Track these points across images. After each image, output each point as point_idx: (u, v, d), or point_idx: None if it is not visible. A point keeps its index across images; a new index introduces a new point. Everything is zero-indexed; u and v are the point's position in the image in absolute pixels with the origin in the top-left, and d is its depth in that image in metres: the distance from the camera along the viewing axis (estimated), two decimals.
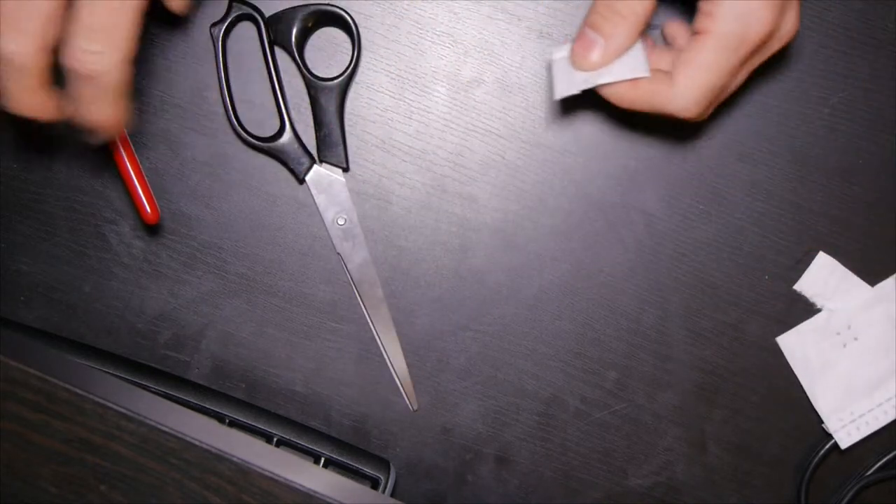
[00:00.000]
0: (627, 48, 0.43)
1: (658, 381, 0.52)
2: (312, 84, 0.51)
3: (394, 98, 0.52)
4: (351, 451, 0.50)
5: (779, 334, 0.52)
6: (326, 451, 0.50)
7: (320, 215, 0.52)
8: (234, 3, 0.50)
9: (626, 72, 0.43)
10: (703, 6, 0.42)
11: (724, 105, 0.51)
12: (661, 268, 0.52)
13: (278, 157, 0.51)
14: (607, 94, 0.44)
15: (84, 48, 0.38)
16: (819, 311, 0.52)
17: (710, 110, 0.44)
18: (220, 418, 0.49)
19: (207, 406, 0.50)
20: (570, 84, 0.44)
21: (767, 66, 0.51)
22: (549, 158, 0.52)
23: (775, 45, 0.43)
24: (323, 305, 0.52)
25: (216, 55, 0.50)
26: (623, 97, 0.44)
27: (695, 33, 0.42)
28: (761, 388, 0.52)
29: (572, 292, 0.52)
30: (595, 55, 0.42)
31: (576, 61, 0.43)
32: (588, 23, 0.43)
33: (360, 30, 0.51)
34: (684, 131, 0.52)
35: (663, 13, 0.50)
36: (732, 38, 0.41)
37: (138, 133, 0.51)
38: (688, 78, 0.42)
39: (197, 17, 0.51)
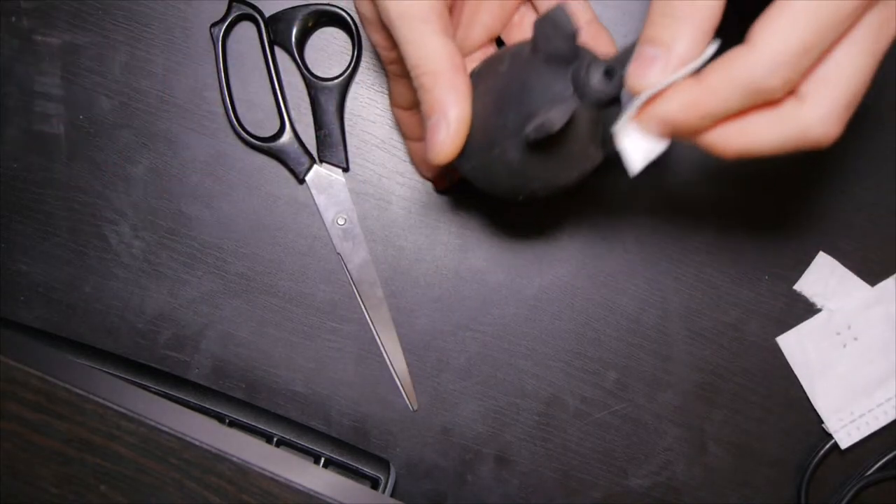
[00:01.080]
0: (695, 57, 0.33)
1: (658, 381, 0.52)
2: (312, 84, 0.51)
3: None
4: (351, 451, 0.50)
5: (779, 334, 0.52)
6: (326, 451, 0.50)
7: (320, 215, 0.52)
8: (234, 3, 0.50)
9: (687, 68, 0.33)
10: None
11: None
12: (661, 268, 0.52)
13: (278, 157, 0.51)
14: (718, 145, 0.34)
15: None
16: (819, 311, 0.52)
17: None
18: (220, 418, 0.49)
19: (207, 406, 0.50)
20: (638, 139, 0.34)
21: None
22: None
23: (893, 13, 0.33)
24: (323, 305, 0.52)
25: (216, 55, 0.50)
26: (734, 140, 0.34)
27: None
28: (761, 388, 0.52)
29: (572, 292, 0.52)
30: (655, 69, 0.33)
31: (633, 83, 0.33)
32: (643, 38, 0.33)
33: (360, 30, 0.51)
34: None
35: None
36: (874, 24, 0.32)
37: (139, 133, 0.51)
38: (772, 33, 0.31)
39: (196, 17, 0.51)
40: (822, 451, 0.52)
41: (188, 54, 0.51)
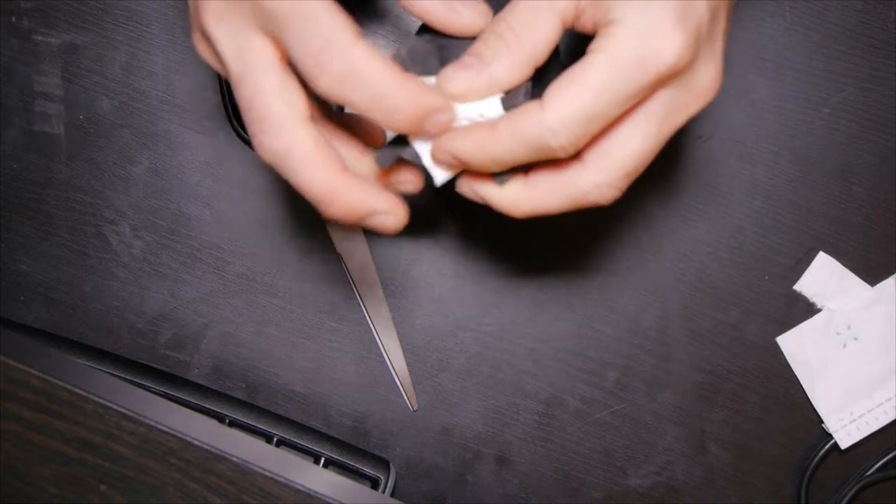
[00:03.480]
0: (507, 86, 0.34)
1: (658, 381, 0.52)
2: None
3: None
4: (351, 451, 0.50)
5: (779, 334, 0.52)
6: (326, 451, 0.50)
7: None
8: None
9: (476, 108, 0.35)
10: (600, 30, 0.33)
11: (723, 106, 0.52)
12: (661, 268, 0.52)
13: None
14: (510, 208, 0.36)
15: None
16: (819, 311, 0.52)
17: (596, 166, 0.34)
18: (220, 418, 0.49)
19: (207, 406, 0.50)
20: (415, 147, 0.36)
21: (766, 67, 0.51)
22: None
23: (690, 101, 0.34)
24: (323, 305, 0.52)
25: None
26: (524, 204, 0.35)
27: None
28: (761, 388, 0.52)
29: (572, 292, 0.52)
30: (465, 76, 0.34)
31: (443, 84, 0.34)
32: (469, 51, 0.35)
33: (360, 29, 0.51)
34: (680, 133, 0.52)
35: None
36: (628, 59, 0.32)
37: (139, 133, 0.51)
38: (563, 97, 0.32)
39: None
40: (822, 451, 0.52)
41: (188, 54, 0.51)
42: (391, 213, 0.36)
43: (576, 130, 0.33)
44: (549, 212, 0.36)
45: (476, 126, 0.34)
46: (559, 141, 0.33)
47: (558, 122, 0.32)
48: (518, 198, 0.36)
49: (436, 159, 0.36)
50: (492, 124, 0.34)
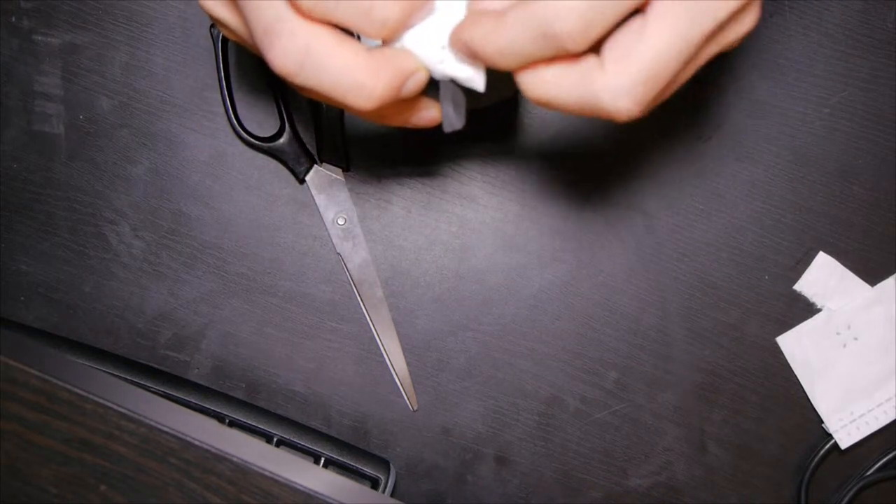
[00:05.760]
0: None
1: (658, 381, 0.52)
2: None
3: None
4: (351, 451, 0.50)
5: (779, 334, 0.52)
6: (326, 451, 0.50)
7: (320, 215, 0.52)
8: None
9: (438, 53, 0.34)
10: None
11: (723, 106, 0.52)
12: (661, 268, 0.52)
13: (278, 157, 0.51)
14: (523, 85, 0.33)
15: None
16: (819, 311, 0.52)
17: (650, 104, 0.32)
18: (220, 418, 0.49)
19: (207, 406, 0.50)
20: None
21: (766, 67, 0.51)
22: (548, 159, 0.52)
23: (732, 38, 0.34)
24: (323, 305, 0.52)
25: (216, 55, 0.50)
26: (532, 85, 0.32)
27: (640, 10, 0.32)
28: (761, 388, 0.52)
29: (572, 292, 0.52)
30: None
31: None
32: None
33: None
34: (676, 129, 0.52)
35: None
36: (696, 5, 0.31)
37: (139, 133, 0.51)
38: (628, 54, 0.31)
39: (196, 17, 0.51)
40: (822, 451, 0.52)
41: (188, 54, 0.51)
42: (421, 70, 0.34)
43: (585, 17, 0.30)
44: (559, 105, 0.33)
45: (484, 16, 0.32)
46: (567, 26, 0.30)
47: (565, 6, 0.29)
48: (531, 79, 0.32)
49: (455, 50, 0.33)
50: (500, 12, 0.31)
